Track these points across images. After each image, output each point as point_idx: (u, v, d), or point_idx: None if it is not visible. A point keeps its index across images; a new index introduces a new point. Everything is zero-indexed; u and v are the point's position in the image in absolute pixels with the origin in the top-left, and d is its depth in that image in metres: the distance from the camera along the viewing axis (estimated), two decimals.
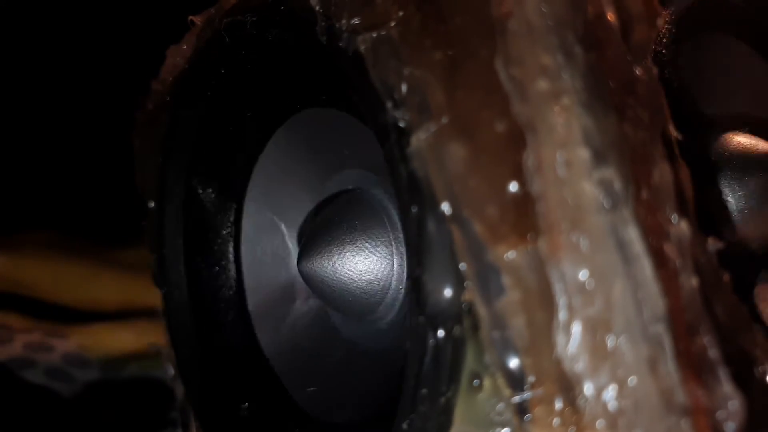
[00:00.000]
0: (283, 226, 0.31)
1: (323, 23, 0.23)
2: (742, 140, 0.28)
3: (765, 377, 0.21)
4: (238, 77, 0.28)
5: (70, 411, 0.44)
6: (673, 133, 0.20)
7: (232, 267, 0.31)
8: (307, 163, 0.30)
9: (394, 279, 0.27)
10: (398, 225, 0.27)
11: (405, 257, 0.26)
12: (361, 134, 0.26)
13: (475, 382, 0.20)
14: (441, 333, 0.20)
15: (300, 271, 0.28)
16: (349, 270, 0.27)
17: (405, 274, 0.26)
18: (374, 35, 0.21)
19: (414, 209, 0.20)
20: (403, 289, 0.27)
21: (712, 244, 0.20)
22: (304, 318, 0.30)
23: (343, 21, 0.22)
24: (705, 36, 0.29)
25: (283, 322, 0.30)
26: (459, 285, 0.20)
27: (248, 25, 0.26)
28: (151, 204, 0.32)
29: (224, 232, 0.31)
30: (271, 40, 0.26)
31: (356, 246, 0.27)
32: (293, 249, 0.31)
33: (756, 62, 0.30)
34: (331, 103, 0.28)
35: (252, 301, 0.31)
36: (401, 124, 0.20)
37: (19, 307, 0.45)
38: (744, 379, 0.19)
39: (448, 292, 0.20)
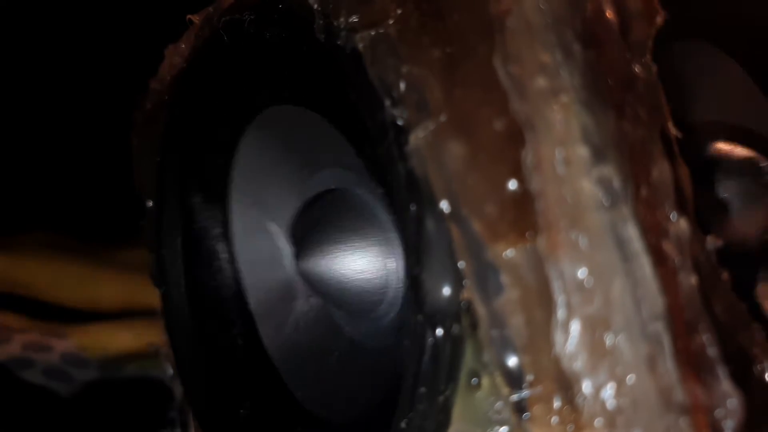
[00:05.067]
0: (272, 226, 0.31)
1: (321, 21, 0.23)
2: (721, 146, 0.28)
3: (763, 375, 0.21)
4: (237, 76, 0.28)
5: (69, 411, 0.44)
6: (672, 131, 0.20)
7: (228, 267, 0.31)
8: (285, 162, 0.30)
9: (394, 277, 0.27)
10: (387, 225, 0.27)
11: (401, 256, 0.26)
12: (333, 134, 0.26)
13: (474, 380, 0.20)
14: (439, 331, 0.20)
15: (300, 271, 0.28)
16: (347, 269, 0.27)
17: (403, 272, 0.27)
18: (372, 33, 0.21)
19: (413, 207, 0.20)
20: (403, 287, 0.27)
21: (711, 242, 0.20)
22: (307, 316, 0.30)
23: (341, 19, 0.22)
24: (679, 43, 0.29)
25: (285, 320, 0.30)
26: (458, 283, 0.20)
27: (246, 24, 0.26)
28: (150, 203, 0.32)
29: (215, 231, 0.31)
30: (269, 38, 0.26)
31: (351, 245, 0.27)
32: (286, 248, 0.31)
33: (732, 69, 0.30)
34: (300, 102, 0.28)
35: (253, 300, 0.31)
36: (399, 122, 0.20)
37: (17, 306, 0.45)
38: (743, 378, 0.19)
39: (446, 291, 0.20)
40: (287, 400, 0.29)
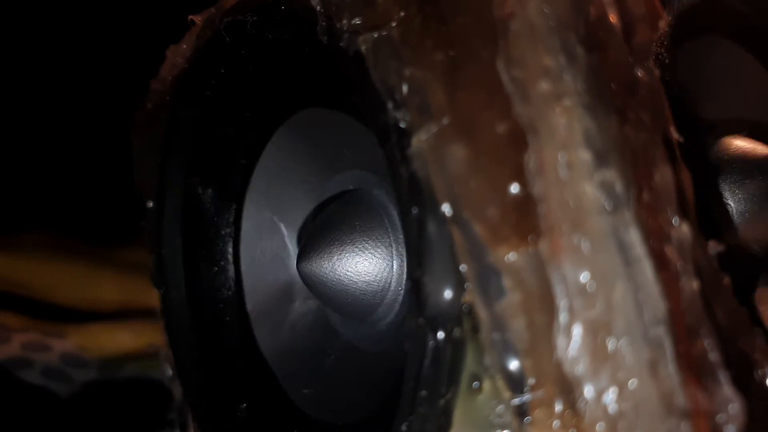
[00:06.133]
0: (282, 227, 0.31)
1: (324, 23, 0.23)
2: (741, 143, 0.28)
3: (765, 380, 0.21)
4: (238, 77, 0.28)
5: (68, 411, 0.44)
6: (674, 135, 0.20)
7: (231, 267, 0.31)
8: (308, 163, 0.30)
9: (393, 280, 0.27)
10: (398, 226, 0.26)
11: (404, 259, 0.26)
12: (360, 135, 0.26)
13: (475, 384, 0.20)
14: (441, 335, 0.20)
15: (299, 272, 0.28)
16: (348, 271, 0.27)
17: (405, 275, 0.26)
18: (375, 35, 0.21)
19: (414, 210, 0.20)
20: (402, 291, 0.27)
21: (713, 246, 0.20)
22: (303, 319, 0.30)
23: (344, 21, 0.22)
24: (702, 38, 0.29)
25: (282, 322, 0.30)
26: (459, 286, 0.20)
27: (248, 25, 0.26)
28: (150, 204, 0.32)
29: (223, 232, 0.31)
30: (271, 39, 0.26)
31: (355, 247, 0.27)
32: (293, 250, 0.31)
33: (752, 65, 0.30)
34: (330, 103, 0.27)
35: (251, 302, 0.30)
36: (402, 125, 0.20)
37: (17, 306, 0.45)
38: (744, 382, 0.19)
39: (448, 294, 0.20)
40: (284, 402, 0.29)
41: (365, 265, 0.27)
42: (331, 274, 0.27)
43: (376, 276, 0.27)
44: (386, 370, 0.25)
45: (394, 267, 0.27)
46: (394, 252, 0.27)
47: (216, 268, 0.31)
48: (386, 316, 0.27)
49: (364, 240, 0.27)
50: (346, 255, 0.27)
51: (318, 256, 0.27)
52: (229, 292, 0.30)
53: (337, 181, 0.29)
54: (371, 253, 0.27)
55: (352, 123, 0.26)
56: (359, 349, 0.29)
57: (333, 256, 0.27)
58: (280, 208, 0.31)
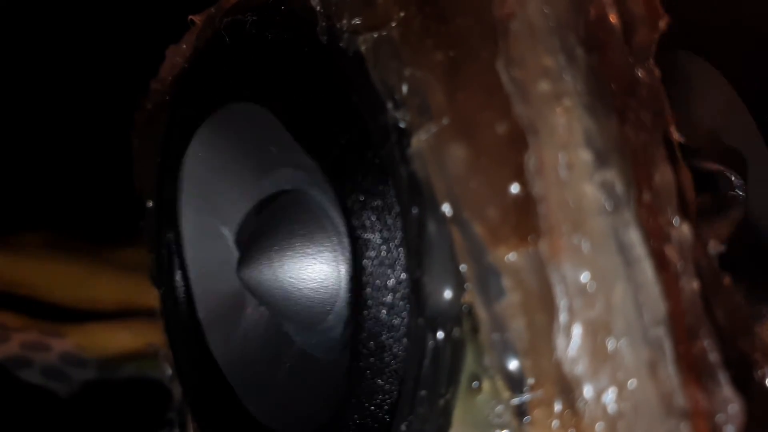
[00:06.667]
0: (225, 230, 0.29)
1: (324, 23, 0.23)
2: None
3: (764, 381, 0.21)
4: (238, 77, 0.28)
5: (67, 411, 0.43)
6: (675, 135, 0.20)
7: (178, 273, 0.29)
8: (238, 162, 0.29)
9: (342, 286, 0.25)
10: (341, 228, 0.25)
11: (351, 263, 0.24)
12: (283, 132, 0.25)
13: (475, 384, 0.20)
14: (440, 335, 0.20)
15: (240, 280, 0.26)
16: (292, 278, 0.25)
17: (354, 280, 0.23)
18: (375, 36, 0.21)
19: (414, 210, 0.20)
20: (351, 297, 0.25)
21: (713, 246, 0.20)
22: (256, 326, 0.29)
23: (344, 21, 0.22)
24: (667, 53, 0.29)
25: (234, 330, 0.29)
26: (459, 287, 0.20)
27: (248, 25, 0.26)
28: (150, 204, 0.32)
29: (169, 236, 0.30)
30: (271, 39, 0.26)
31: (296, 252, 0.25)
32: (237, 253, 0.29)
33: (714, 80, 0.30)
34: (254, 98, 0.26)
35: (202, 309, 0.29)
36: (402, 125, 0.20)
37: (16, 306, 0.45)
38: (743, 383, 0.19)
39: (447, 294, 0.20)
40: (241, 413, 0.28)
41: (310, 271, 0.25)
42: (273, 281, 0.26)
43: (323, 282, 0.25)
44: (339, 379, 0.24)
45: (342, 272, 0.25)
46: (340, 256, 0.25)
47: (169, 275, 0.30)
48: (338, 323, 0.26)
49: (305, 245, 0.25)
50: (287, 262, 0.25)
51: (258, 263, 0.26)
52: (181, 300, 0.29)
53: (273, 179, 0.28)
54: (314, 259, 0.25)
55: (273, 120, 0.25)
56: (313, 357, 0.28)
57: (274, 262, 0.25)
58: (217, 209, 0.29)
